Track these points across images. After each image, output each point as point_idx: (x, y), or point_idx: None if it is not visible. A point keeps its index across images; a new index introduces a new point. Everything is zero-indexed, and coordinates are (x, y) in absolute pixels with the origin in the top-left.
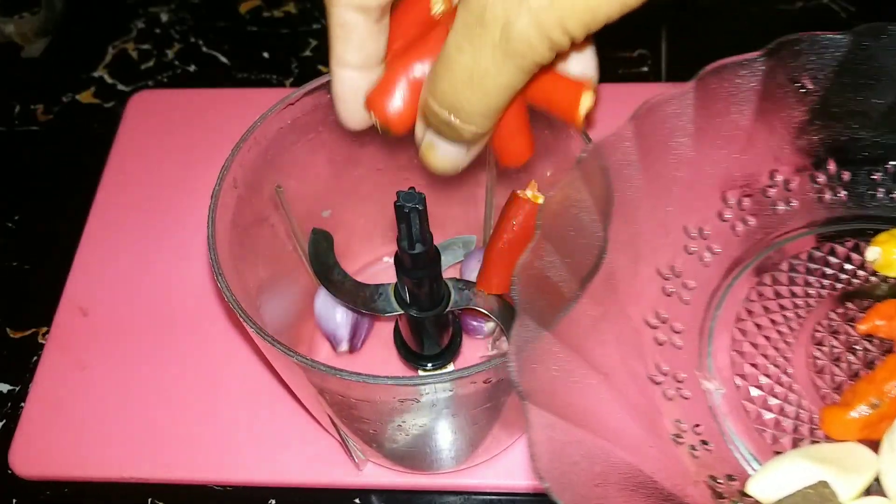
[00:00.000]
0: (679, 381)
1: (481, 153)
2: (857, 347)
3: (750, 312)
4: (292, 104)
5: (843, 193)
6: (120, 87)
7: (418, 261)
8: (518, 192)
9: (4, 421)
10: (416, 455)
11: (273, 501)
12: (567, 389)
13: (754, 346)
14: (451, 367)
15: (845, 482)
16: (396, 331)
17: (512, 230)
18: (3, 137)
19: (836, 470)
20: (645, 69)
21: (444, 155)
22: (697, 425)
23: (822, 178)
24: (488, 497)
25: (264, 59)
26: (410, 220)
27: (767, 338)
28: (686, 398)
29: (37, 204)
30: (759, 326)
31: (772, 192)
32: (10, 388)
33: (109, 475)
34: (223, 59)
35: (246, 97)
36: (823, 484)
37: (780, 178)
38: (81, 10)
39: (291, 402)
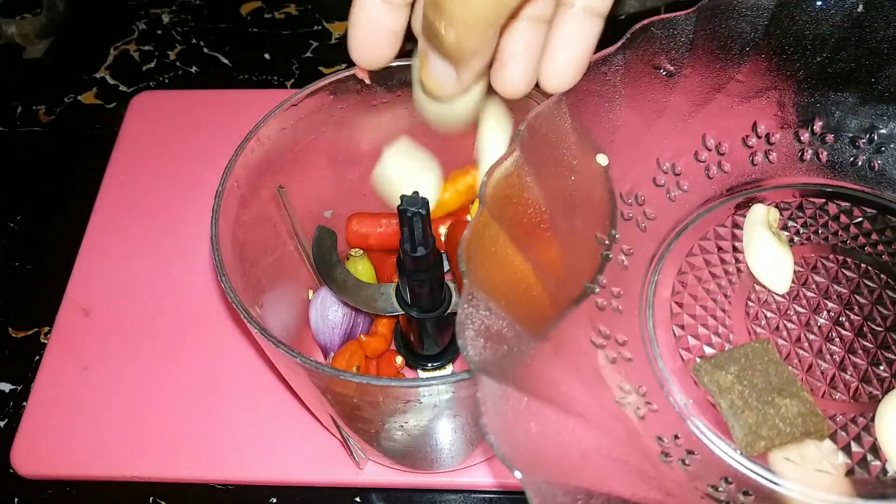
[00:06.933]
0: (642, 395)
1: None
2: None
3: (680, 306)
4: (295, 105)
5: (773, 155)
6: (122, 87)
7: (420, 263)
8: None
9: (6, 420)
10: (416, 454)
11: (274, 500)
12: (550, 444)
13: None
14: (450, 368)
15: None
16: (397, 330)
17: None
18: (5, 138)
19: None
20: None
21: (433, 71)
22: (677, 437)
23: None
24: (488, 495)
25: (265, 60)
26: (413, 223)
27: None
28: (655, 411)
29: (39, 204)
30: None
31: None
32: (13, 387)
33: (111, 474)
34: (224, 61)
35: (247, 98)
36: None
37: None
38: (83, 11)
39: (293, 401)
